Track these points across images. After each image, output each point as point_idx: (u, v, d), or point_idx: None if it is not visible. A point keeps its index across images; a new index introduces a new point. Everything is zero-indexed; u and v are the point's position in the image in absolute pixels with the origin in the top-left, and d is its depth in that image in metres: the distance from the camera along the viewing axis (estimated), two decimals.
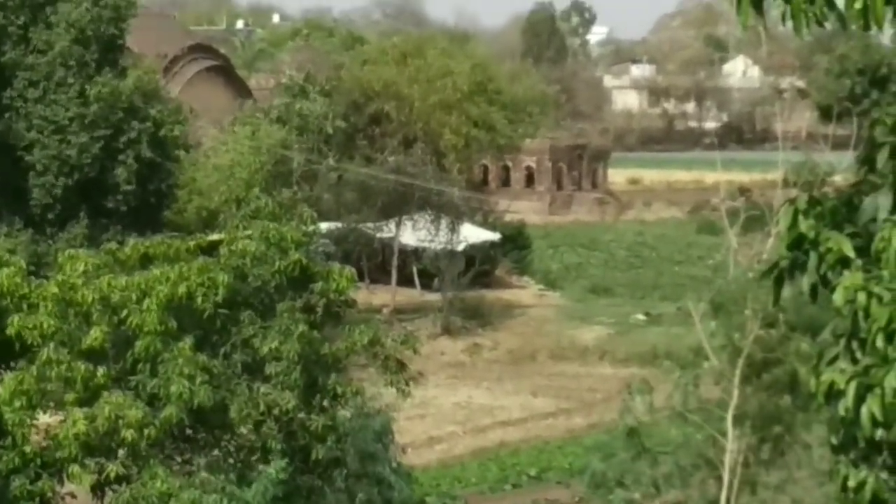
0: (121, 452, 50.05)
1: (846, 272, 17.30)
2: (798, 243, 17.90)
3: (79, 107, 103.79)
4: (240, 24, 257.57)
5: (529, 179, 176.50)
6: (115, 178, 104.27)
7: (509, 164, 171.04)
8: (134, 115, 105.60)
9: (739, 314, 43.42)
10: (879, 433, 17.27)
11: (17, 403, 50.58)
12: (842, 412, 17.24)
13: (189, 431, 51.78)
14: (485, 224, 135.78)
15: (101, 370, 50.69)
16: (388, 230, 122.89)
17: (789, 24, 15.56)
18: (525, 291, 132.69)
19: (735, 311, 43.91)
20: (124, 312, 51.20)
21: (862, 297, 17.09)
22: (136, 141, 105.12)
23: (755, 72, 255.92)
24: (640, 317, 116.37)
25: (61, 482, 52.23)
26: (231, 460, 52.24)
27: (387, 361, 55.94)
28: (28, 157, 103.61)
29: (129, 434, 48.18)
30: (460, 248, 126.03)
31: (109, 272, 53.12)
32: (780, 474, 44.41)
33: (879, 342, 17.06)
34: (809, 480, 41.54)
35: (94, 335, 50.50)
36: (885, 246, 16.63)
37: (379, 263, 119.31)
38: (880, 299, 17.00)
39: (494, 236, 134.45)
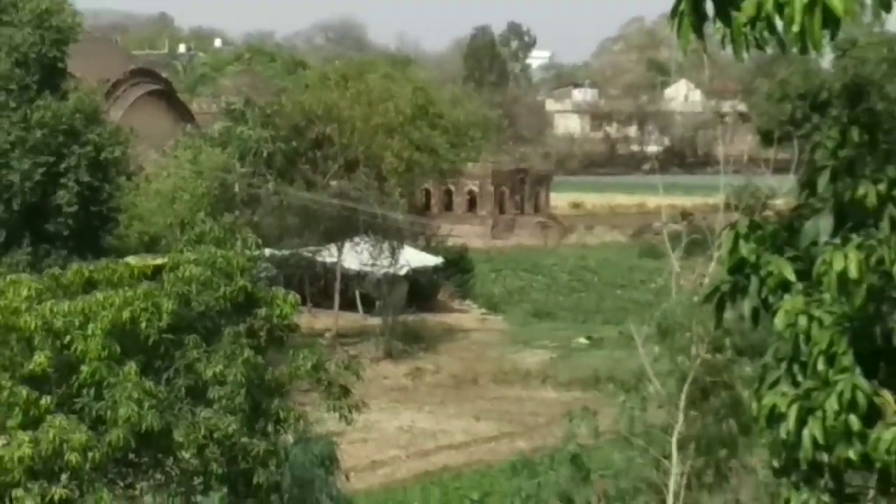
0: (64, 476, 50.22)
1: (787, 296, 17.50)
2: (739, 267, 18.11)
3: (21, 131, 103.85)
4: (182, 48, 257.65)
5: (472, 203, 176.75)
6: (56, 202, 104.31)
7: (451, 188, 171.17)
8: (75, 139, 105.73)
9: (684, 338, 43.57)
10: (821, 456, 17.47)
11: None
12: (783, 435, 17.45)
13: (132, 456, 51.84)
14: (427, 248, 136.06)
15: (44, 397, 50.91)
16: (330, 255, 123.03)
17: (729, 48, 15.77)
18: (467, 315, 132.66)
19: (680, 335, 44.03)
20: (67, 338, 51.30)
21: (803, 320, 17.29)
22: (76, 165, 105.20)
23: (697, 96, 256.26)
24: (583, 340, 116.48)
25: (7, 503, 52.59)
26: (174, 485, 52.36)
27: (330, 387, 56.12)
28: None
29: (73, 457, 48.32)
30: (402, 272, 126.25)
31: (52, 297, 53.17)
32: (723, 497, 44.61)
33: (820, 365, 17.29)
34: None
35: (38, 360, 50.59)
36: (826, 269, 16.84)
37: (321, 287, 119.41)
38: (821, 323, 17.20)
39: (437, 260, 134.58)
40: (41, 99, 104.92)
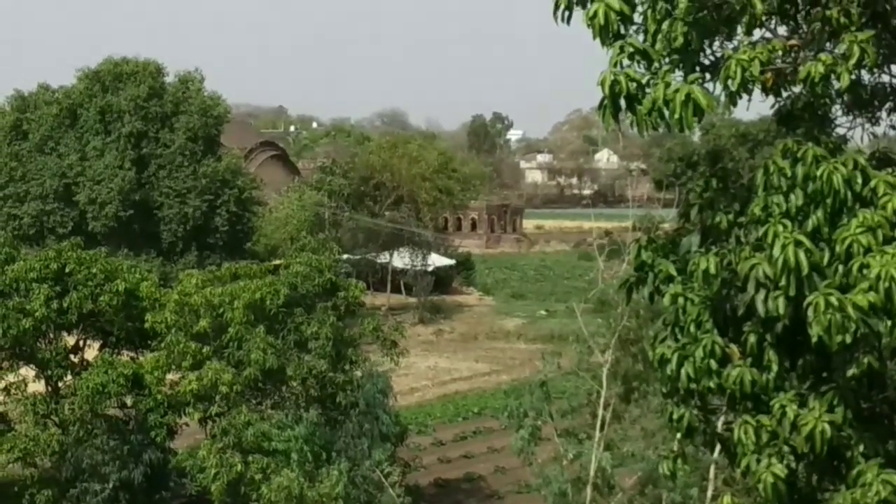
0: (217, 399, 50.49)
1: (671, 285, 17.37)
2: (641, 267, 18.03)
3: (192, 181, 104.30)
4: (292, 128, 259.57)
5: (473, 226, 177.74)
6: (214, 225, 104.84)
7: (461, 216, 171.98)
8: (226, 185, 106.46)
9: (614, 309, 43.65)
10: (692, 385, 17.31)
11: (153, 370, 51.19)
12: (669, 372, 17.28)
13: (260, 385, 52.20)
14: (445, 254, 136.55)
15: (205, 348, 51.10)
16: (384, 258, 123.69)
17: (635, 128, 15.75)
18: (470, 297, 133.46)
19: (612, 307, 44.21)
20: (220, 310, 51.67)
21: (681, 300, 17.18)
22: (227, 201, 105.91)
23: (615, 158, 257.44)
24: (543, 312, 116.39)
25: (181, 416, 52.51)
26: (287, 404, 52.63)
27: (384, 341, 56.96)
28: (159, 213, 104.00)
29: (223, 387, 49.26)
30: (429, 269, 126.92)
31: (211, 284, 53.49)
32: (636, 411, 44.47)
33: (692, 329, 17.16)
34: (653, 415, 41.66)
35: (201, 324, 51.33)
36: (695, 268, 16.75)
37: (379, 279, 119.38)
38: (692, 301, 17.09)
39: (451, 262, 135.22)
40: (205, 160, 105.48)
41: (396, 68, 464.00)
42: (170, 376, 52.16)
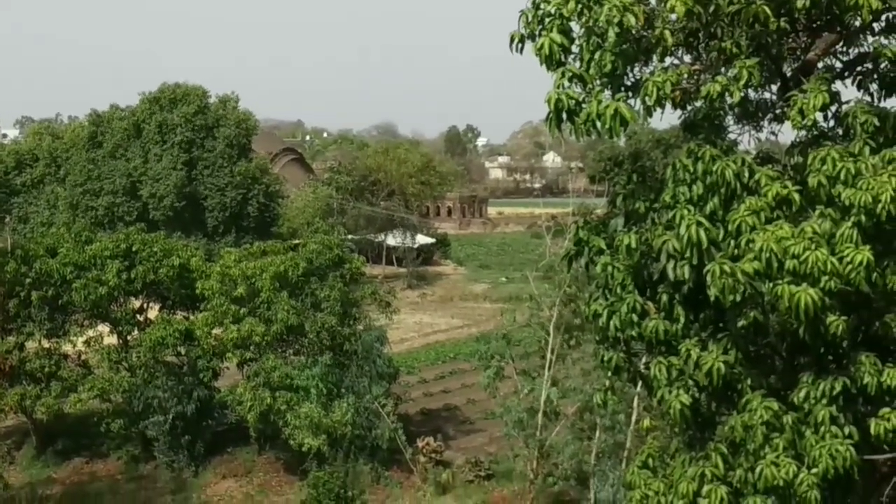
0: (251, 347, 50.11)
1: (602, 256, 17.35)
2: (578, 243, 18.01)
3: (229, 178, 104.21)
4: (307, 137, 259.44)
5: (449, 212, 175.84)
6: (247, 212, 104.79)
7: (439, 204, 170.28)
8: (256, 181, 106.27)
9: (558, 276, 43.54)
10: (618, 334, 17.31)
11: (202, 326, 50.80)
12: (600, 324, 17.27)
13: (285, 337, 51.80)
14: (427, 234, 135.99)
15: (242, 309, 50.83)
16: (380, 238, 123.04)
17: (574, 135, 15.78)
18: (447, 267, 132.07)
19: (557, 274, 44.03)
20: (253, 279, 51.39)
21: (609, 268, 17.18)
22: (257, 194, 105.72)
23: (559, 159, 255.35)
24: (504, 279, 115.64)
25: (223, 362, 52.14)
26: (305, 351, 52.28)
27: (380, 302, 56.48)
28: (204, 203, 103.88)
29: (256, 338, 48.77)
30: (415, 245, 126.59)
31: (245, 259, 53.27)
32: (576, 355, 44.44)
33: (618, 290, 17.13)
34: (589, 358, 41.56)
35: (239, 290, 50.92)
36: (620, 243, 16.72)
37: (376, 254, 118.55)
38: (618, 269, 17.04)
39: (432, 240, 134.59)
40: (239, 162, 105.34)
41: (389, 88, 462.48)
42: (214, 331, 52.15)
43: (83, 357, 55.03)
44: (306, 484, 46.63)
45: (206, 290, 53.08)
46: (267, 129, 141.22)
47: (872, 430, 15.77)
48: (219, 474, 52.63)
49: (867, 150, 15.39)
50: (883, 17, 16.07)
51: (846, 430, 15.76)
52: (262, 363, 50.74)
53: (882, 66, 16.86)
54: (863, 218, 14.92)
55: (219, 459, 53.28)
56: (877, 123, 15.73)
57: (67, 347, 54.93)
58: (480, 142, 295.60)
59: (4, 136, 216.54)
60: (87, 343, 55.15)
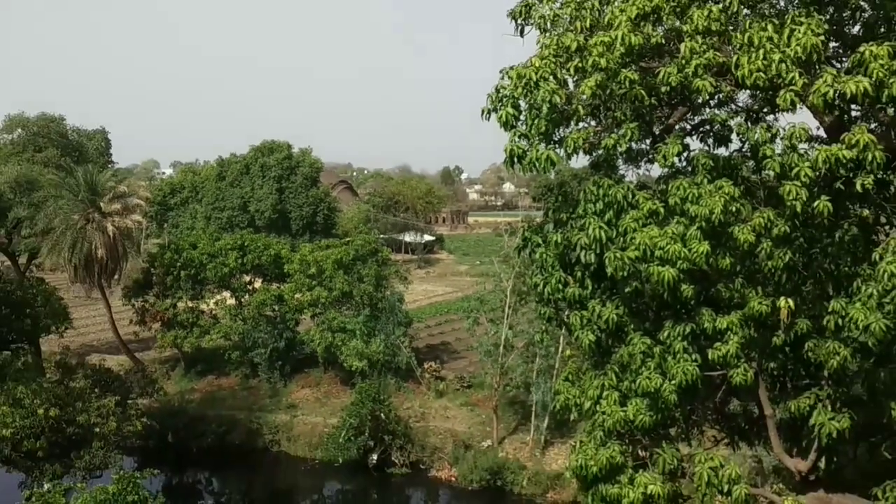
0: (319, 306, 49.90)
1: (539, 248, 17.27)
2: (525, 239, 17.87)
3: (305, 199, 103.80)
4: (354, 173, 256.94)
5: (443, 220, 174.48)
6: (316, 221, 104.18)
7: (437, 215, 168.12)
8: (321, 201, 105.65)
9: (512, 260, 43.35)
10: (549, 296, 17.24)
11: (289, 292, 50.51)
12: (538, 290, 17.15)
13: (340, 299, 51.43)
14: (430, 234, 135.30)
15: (313, 281, 50.46)
16: (400, 236, 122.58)
17: (521, 172, 15.72)
18: (443, 255, 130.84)
19: (512, 259, 43.79)
20: (320, 263, 51.25)
21: (544, 255, 17.07)
22: (322, 209, 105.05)
23: (513, 186, 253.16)
24: (478, 262, 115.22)
25: (301, 315, 51.70)
26: (353, 308, 51.87)
27: (400, 277, 56.08)
28: (290, 215, 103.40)
29: (322, 300, 47.89)
30: (423, 241, 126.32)
31: (316, 250, 53.23)
32: (524, 309, 44.40)
33: (549, 269, 17.04)
34: (532, 311, 41.42)
35: (311, 270, 50.58)
36: (550, 240, 16.60)
37: (398, 246, 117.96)
38: (549, 256, 16.93)
39: (434, 237, 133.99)
40: (311, 189, 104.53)
41: (406, 140, 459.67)
42: (296, 295, 52.02)
43: (213, 312, 54.97)
44: (354, 391, 46.62)
45: (291, 269, 53.04)
46: (328, 167, 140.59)
47: (710, 356, 15.82)
48: (299, 385, 52.53)
49: (706, 181, 15.38)
50: (715, 97, 16.04)
51: (693, 357, 15.79)
52: (326, 315, 50.67)
53: (715, 127, 16.88)
54: (703, 224, 14.95)
55: (299, 376, 53.18)
56: (712, 164, 15.72)
57: (203, 306, 54.86)
58: (464, 176, 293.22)
59: (163, 173, 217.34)
60: (216, 303, 55.14)
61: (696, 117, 17.17)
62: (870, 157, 13.78)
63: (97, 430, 31.67)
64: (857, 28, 16.71)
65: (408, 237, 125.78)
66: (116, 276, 56.35)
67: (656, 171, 17.02)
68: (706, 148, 16.87)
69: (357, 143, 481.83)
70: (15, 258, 60.81)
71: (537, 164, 15.42)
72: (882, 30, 16.11)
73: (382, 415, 44.34)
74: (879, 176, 14.93)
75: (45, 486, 20.06)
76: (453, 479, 43.77)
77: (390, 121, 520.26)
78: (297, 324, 53.94)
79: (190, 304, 54.20)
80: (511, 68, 15.86)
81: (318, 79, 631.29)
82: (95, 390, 33.89)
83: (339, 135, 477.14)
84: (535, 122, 15.55)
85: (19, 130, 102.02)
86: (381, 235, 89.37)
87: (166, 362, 56.76)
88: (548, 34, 16.10)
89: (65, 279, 59.13)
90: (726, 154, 16.72)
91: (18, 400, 30.67)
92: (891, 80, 13.42)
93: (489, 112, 16.04)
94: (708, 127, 17.04)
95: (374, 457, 44.52)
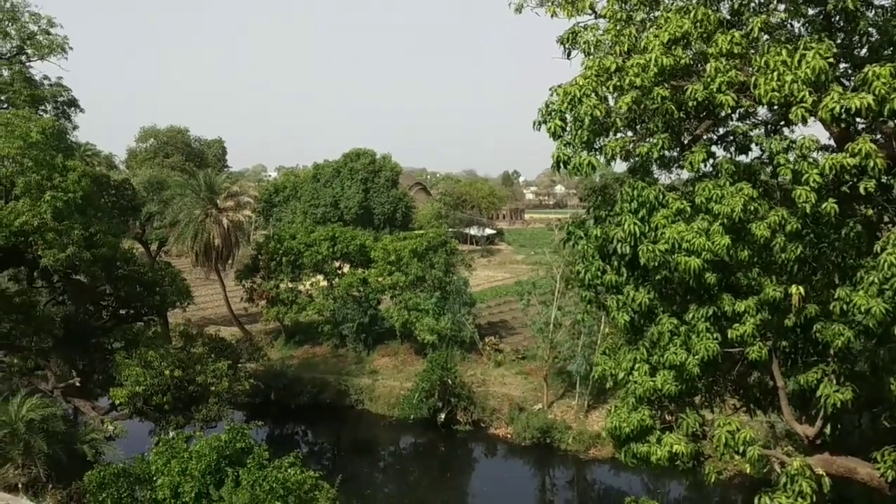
0: (398, 288, 49.74)
1: (581, 240, 17.15)
2: (569, 233, 17.76)
3: (386, 198, 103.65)
4: (428, 176, 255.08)
5: (504, 216, 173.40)
6: (396, 216, 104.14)
7: (498, 212, 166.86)
8: (400, 200, 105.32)
9: (561, 251, 43.02)
10: (590, 282, 17.06)
11: (373, 275, 50.26)
12: (581, 277, 16.98)
13: (415, 282, 51.28)
14: (492, 228, 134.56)
15: (393, 267, 50.35)
16: (467, 230, 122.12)
17: (569, 176, 15.63)
18: (503, 246, 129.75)
19: (561, 249, 43.44)
20: (399, 251, 51.20)
21: (585, 247, 16.93)
22: (401, 206, 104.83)
23: (563, 188, 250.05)
24: (533, 253, 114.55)
25: (383, 295, 51.53)
26: (426, 290, 51.75)
27: (466, 264, 55.92)
28: (374, 212, 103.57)
29: (401, 283, 47.59)
30: (485, 234, 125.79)
31: (396, 241, 53.24)
32: (571, 293, 43.96)
33: (590, 259, 16.88)
34: (577, 295, 40.90)
35: (391, 258, 50.48)
36: (591, 234, 16.48)
37: (464, 239, 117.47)
38: (590, 248, 16.78)
39: (494, 231, 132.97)
40: (392, 189, 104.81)
41: (473, 148, 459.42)
42: (378, 278, 52.33)
43: (309, 292, 55.55)
44: (426, 360, 46.82)
45: (374, 257, 53.35)
46: (406, 171, 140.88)
47: (729, 335, 15.58)
48: (380, 355, 52.87)
49: (728, 183, 15.14)
50: (736, 111, 15.75)
51: (714, 335, 15.58)
52: (403, 296, 50.94)
53: (737, 137, 16.58)
54: (725, 220, 14.72)
55: (380, 347, 53.53)
56: (734, 169, 15.46)
57: (301, 287, 55.47)
58: (521, 178, 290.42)
59: (270, 175, 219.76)
60: (311, 284, 55.67)
61: (720, 129, 16.86)
62: (872, 164, 13.44)
63: (212, 388, 32.38)
64: (864, 50, 16.27)
65: (473, 231, 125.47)
66: (230, 261, 57.49)
67: (685, 175, 16.80)
68: (729, 155, 16.57)
69: (432, 150, 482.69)
70: (147, 245, 62.57)
71: (580, 169, 15.31)
72: (887, 52, 15.67)
73: (449, 380, 44.50)
74: (882, 180, 14.55)
75: (171, 434, 20.58)
76: (509, 436, 43.78)
77: (458, 131, 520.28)
78: (378, 303, 54.28)
79: (290, 284, 54.88)
80: (559, 86, 15.76)
81: (398, 97, 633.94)
82: (212, 355, 34.60)
83: (417, 143, 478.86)
84: (579, 132, 15.44)
85: (151, 140, 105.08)
86: (451, 229, 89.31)
87: (270, 333, 57.64)
88: (591, 57, 15.96)
89: (188, 263, 60.30)
90: (747, 161, 16.39)
91: (149, 363, 31.54)
92: (892, 96, 13.06)
93: (540, 124, 15.96)
94: (731, 137, 16.74)
95: (442, 416, 44.72)
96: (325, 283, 55.65)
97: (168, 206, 57.51)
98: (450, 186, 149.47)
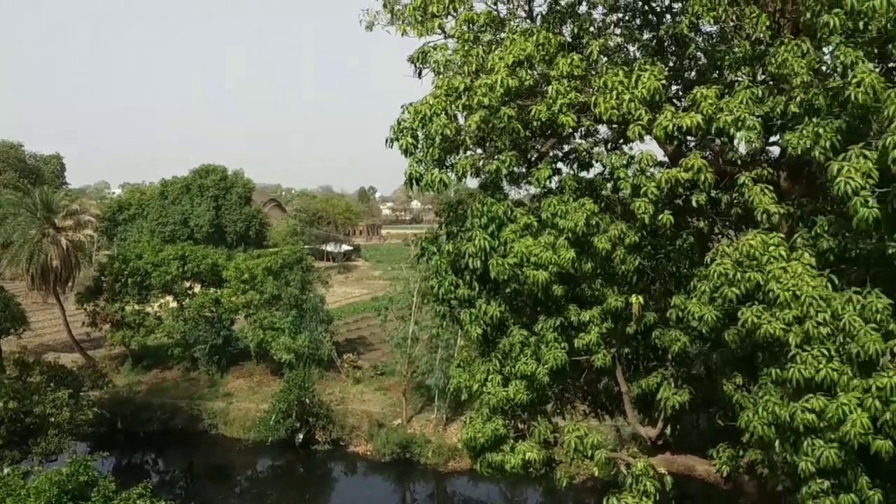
0: (253, 307, 48.49)
1: (435, 256, 17.31)
2: (423, 249, 17.89)
3: (239, 215, 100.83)
4: (283, 192, 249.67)
5: (360, 232, 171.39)
6: (249, 233, 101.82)
7: (355, 228, 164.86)
8: (254, 217, 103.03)
9: (417, 266, 43.29)
10: (444, 296, 17.23)
11: (225, 295, 48.81)
12: (435, 291, 17.09)
13: (270, 301, 50.32)
14: (349, 244, 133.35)
15: (247, 286, 49.30)
16: (323, 246, 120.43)
17: (421, 193, 15.76)
18: (361, 262, 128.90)
19: (416, 265, 43.68)
20: (252, 270, 50.11)
21: (438, 262, 17.07)
22: (255, 224, 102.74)
23: (419, 203, 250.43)
24: (390, 268, 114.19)
25: (236, 315, 50.24)
26: (281, 308, 50.84)
27: (322, 281, 55.38)
28: (226, 229, 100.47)
29: (254, 301, 46.52)
30: (342, 250, 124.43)
31: (248, 259, 52.09)
32: (426, 308, 44.40)
33: (443, 274, 17.01)
34: (432, 310, 41.46)
35: (244, 276, 49.50)
36: (444, 249, 16.62)
37: (320, 255, 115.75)
38: (443, 262, 16.93)
39: (352, 247, 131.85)
40: (245, 207, 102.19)
41: (329, 163, 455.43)
42: (231, 298, 51.05)
43: (158, 314, 53.47)
44: (283, 380, 46.00)
45: (227, 276, 52.00)
46: (260, 188, 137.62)
47: (576, 344, 16.14)
48: (235, 376, 51.53)
49: (571, 199, 15.72)
50: (578, 130, 16.42)
51: (562, 345, 16.09)
52: (258, 315, 49.87)
53: (580, 154, 17.26)
54: (569, 235, 15.26)
55: (235, 368, 52.17)
56: (577, 185, 16.08)
57: (149, 309, 53.33)
58: (377, 194, 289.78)
59: (113, 193, 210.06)
60: (160, 306, 53.65)
61: (564, 146, 17.52)
62: (703, 178, 14.30)
63: (52, 419, 30.65)
64: (693, 73, 17.35)
65: (329, 247, 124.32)
66: (70, 284, 54.54)
67: (533, 191, 17.31)
68: (572, 172, 17.22)
69: (286, 165, 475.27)
70: None
71: (432, 186, 15.49)
72: (713, 75, 16.76)
73: (307, 400, 43.87)
74: (711, 194, 15.53)
75: (5, 471, 19.26)
76: (369, 453, 43.59)
77: (315, 147, 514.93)
78: (232, 323, 52.91)
79: (137, 307, 52.65)
80: (410, 104, 15.92)
81: (257, 107, 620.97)
82: (51, 384, 32.75)
83: (271, 159, 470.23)
84: (430, 150, 15.60)
85: None
86: (307, 246, 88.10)
87: (116, 358, 54.99)
88: (441, 76, 16.22)
89: (23, 287, 56.81)
90: (589, 177, 17.11)
91: None
92: (718, 116, 13.97)
93: (392, 141, 16.02)
94: (574, 154, 17.40)
95: (300, 436, 44.02)
96: (175, 304, 53.69)
97: (0, 227, 53.89)
98: (305, 203, 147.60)
